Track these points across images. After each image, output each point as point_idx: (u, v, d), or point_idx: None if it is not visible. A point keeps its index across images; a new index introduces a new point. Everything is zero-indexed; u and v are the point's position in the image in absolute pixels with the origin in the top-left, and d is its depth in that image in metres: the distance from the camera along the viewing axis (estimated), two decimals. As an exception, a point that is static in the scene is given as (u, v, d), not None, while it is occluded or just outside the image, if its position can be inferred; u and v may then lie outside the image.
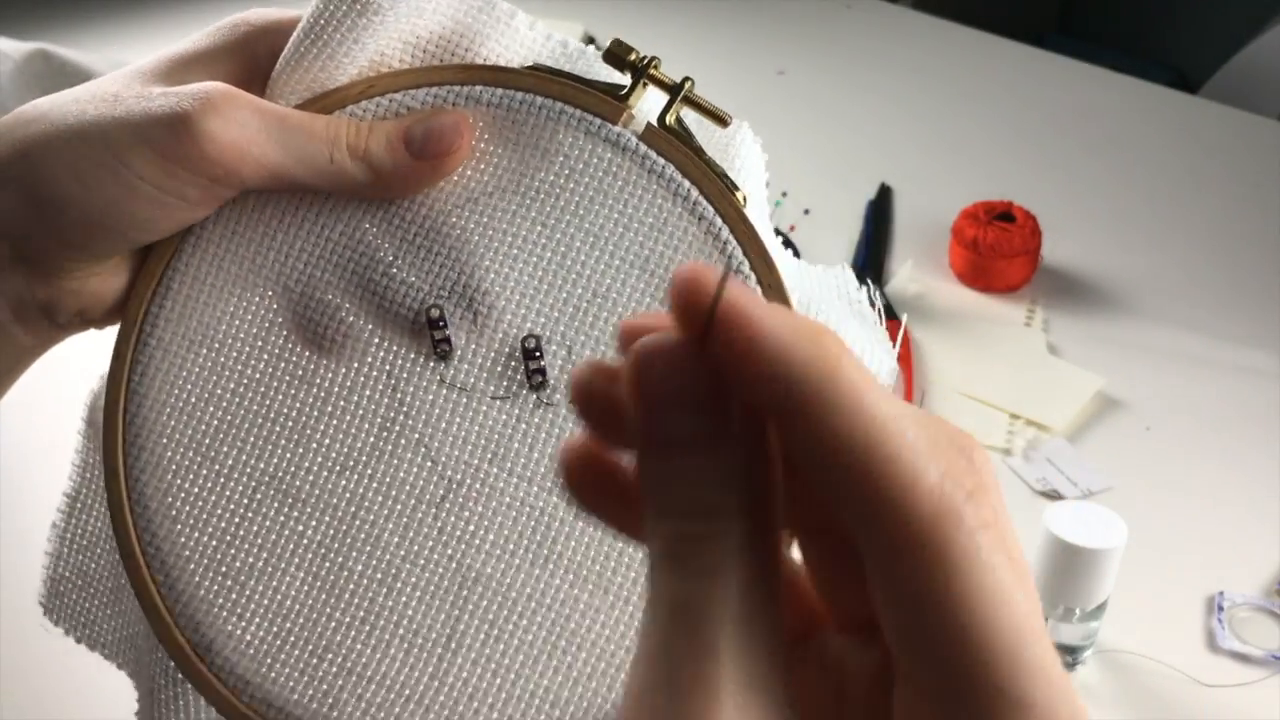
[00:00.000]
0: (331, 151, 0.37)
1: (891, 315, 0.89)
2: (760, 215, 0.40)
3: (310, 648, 0.38)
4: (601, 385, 0.23)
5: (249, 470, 0.38)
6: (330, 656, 0.38)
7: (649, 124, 0.39)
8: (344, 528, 0.38)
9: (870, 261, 0.96)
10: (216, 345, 0.39)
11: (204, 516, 0.38)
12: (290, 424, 0.38)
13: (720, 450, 0.21)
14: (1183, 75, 1.91)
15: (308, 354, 0.39)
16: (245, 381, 0.39)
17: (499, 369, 0.38)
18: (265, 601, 0.38)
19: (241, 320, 0.39)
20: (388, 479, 0.38)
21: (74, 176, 0.36)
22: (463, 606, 0.38)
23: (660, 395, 0.21)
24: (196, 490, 0.38)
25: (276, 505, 0.38)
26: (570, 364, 0.38)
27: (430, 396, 0.38)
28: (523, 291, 0.38)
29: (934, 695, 0.20)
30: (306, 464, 0.38)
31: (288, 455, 0.38)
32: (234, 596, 0.38)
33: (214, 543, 0.38)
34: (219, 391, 0.39)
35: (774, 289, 0.38)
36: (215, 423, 0.39)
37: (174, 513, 0.38)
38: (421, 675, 0.38)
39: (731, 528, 0.21)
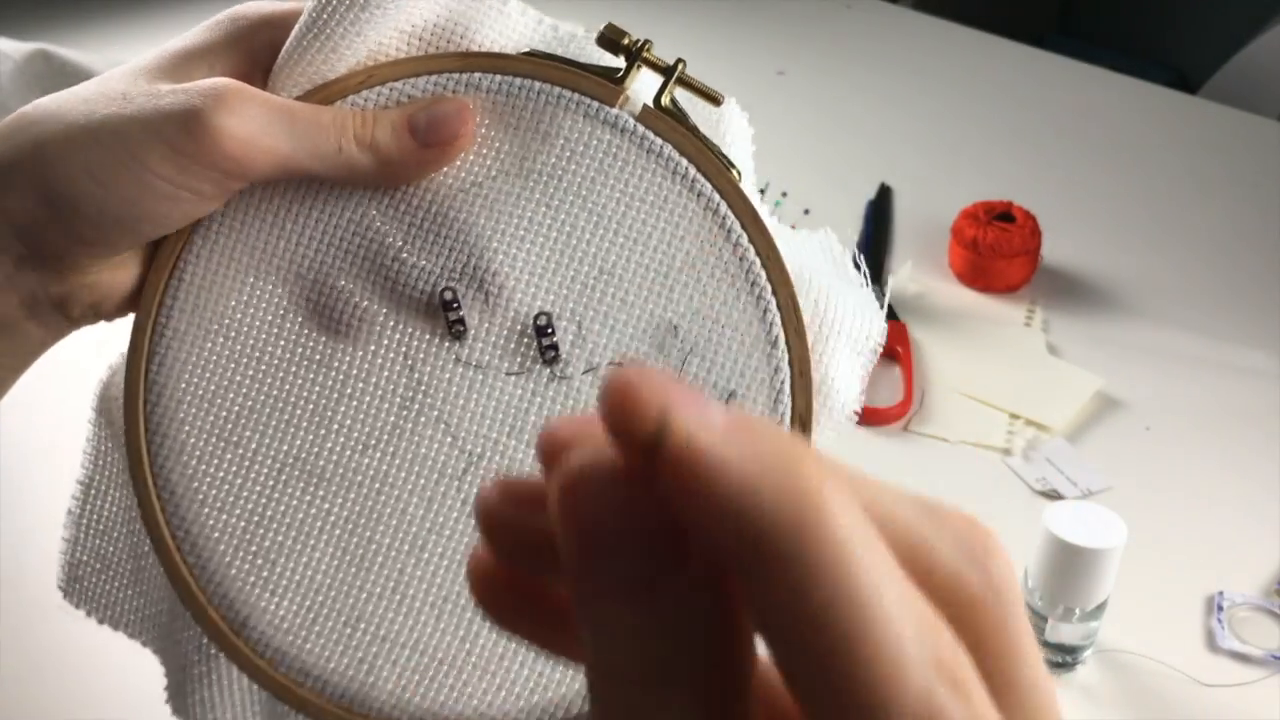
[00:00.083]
0: (339, 142, 0.38)
1: (892, 316, 0.89)
2: (751, 189, 0.41)
3: (343, 618, 0.39)
4: (511, 512, 0.20)
5: (272, 453, 0.40)
6: (363, 625, 0.39)
7: (645, 105, 0.40)
8: (369, 503, 0.39)
9: (870, 262, 0.96)
10: (232, 334, 0.40)
11: (230, 499, 0.39)
12: (311, 407, 0.40)
13: (670, 602, 0.17)
14: (1183, 75, 1.91)
15: (324, 339, 0.40)
16: (263, 368, 0.40)
17: (512, 346, 0.40)
18: (296, 577, 0.39)
19: (255, 308, 0.40)
20: (410, 455, 0.40)
21: (90, 175, 0.36)
22: None
23: (595, 532, 0.18)
24: (221, 474, 0.40)
25: (302, 485, 0.40)
26: (581, 338, 0.39)
27: (447, 375, 0.40)
28: (531, 271, 0.40)
29: None
30: (329, 444, 0.40)
31: (310, 437, 0.40)
32: (265, 574, 0.39)
33: (242, 523, 0.39)
34: (237, 378, 0.40)
35: (771, 259, 0.39)
36: (236, 409, 0.40)
37: (200, 497, 0.39)
38: (452, 639, 0.39)
39: (682, 699, 0.17)
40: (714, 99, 0.40)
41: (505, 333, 0.40)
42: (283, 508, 0.39)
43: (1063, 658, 0.64)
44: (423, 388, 0.39)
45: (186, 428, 0.39)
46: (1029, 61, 1.33)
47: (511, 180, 0.40)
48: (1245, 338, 0.90)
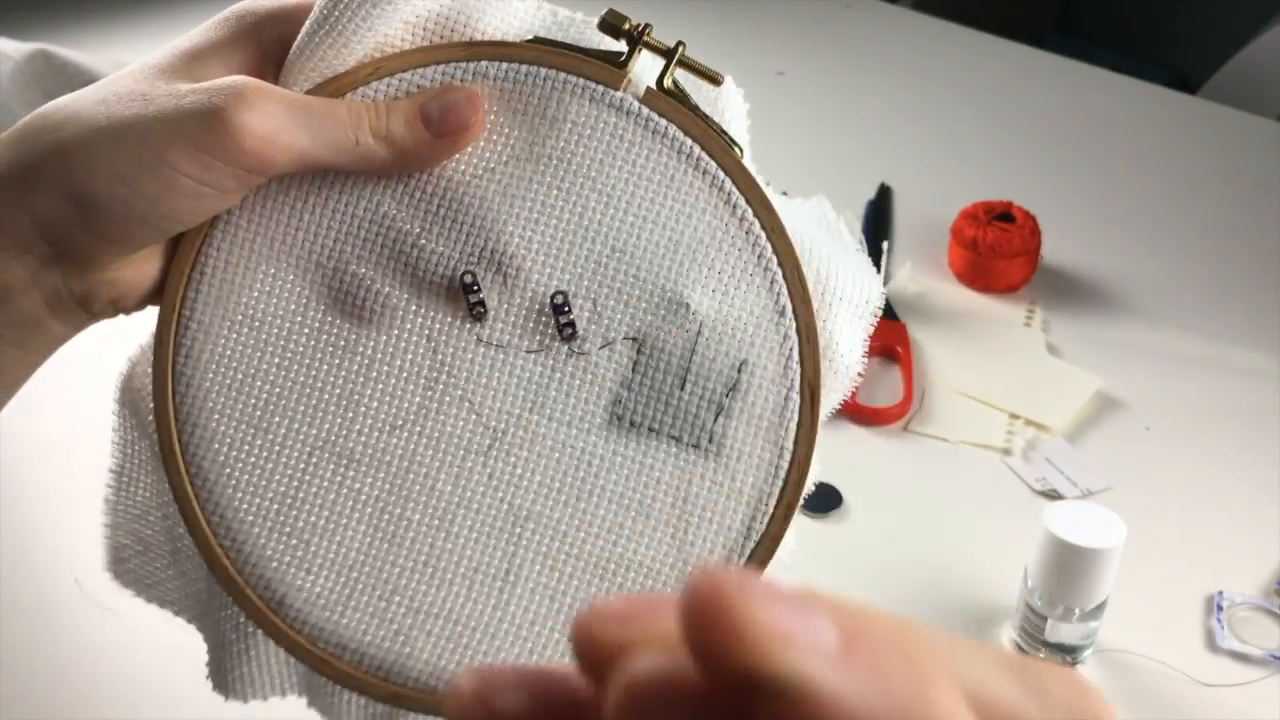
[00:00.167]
0: (356, 134, 0.39)
1: (892, 316, 0.89)
2: (751, 164, 0.42)
3: (378, 592, 0.41)
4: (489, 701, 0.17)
5: (302, 437, 0.41)
6: (397, 599, 0.41)
7: (648, 87, 0.41)
8: (399, 481, 0.41)
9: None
10: (256, 324, 0.41)
11: (262, 483, 0.41)
12: (337, 391, 0.41)
13: None
14: (1182, 75, 1.91)
15: (347, 325, 0.41)
16: (289, 355, 0.41)
17: (531, 325, 0.41)
18: (330, 555, 0.41)
19: (278, 298, 0.41)
20: (436, 433, 0.41)
21: (115, 176, 0.37)
22: (516, 542, 0.41)
23: None
24: (253, 460, 0.41)
25: (332, 467, 0.41)
26: (597, 315, 0.41)
27: (470, 355, 0.41)
28: (546, 252, 0.41)
29: None
30: (358, 427, 0.41)
31: (338, 420, 0.41)
32: (300, 553, 0.41)
33: (275, 506, 0.41)
34: (264, 367, 0.41)
35: (776, 232, 0.41)
36: (264, 396, 0.41)
37: (233, 482, 0.41)
38: (485, 607, 0.41)
39: None
40: (714, 79, 0.41)
41: (524, 312, 0.41)
42: (314, 489, 0.41)
43: (1062, 658, 0.64)
44: (446, 368, 0.41)
45: (216, 416, 0.41)
46: (1029, 61, 1.33)
47: (522, 165, 0.41)
48: (1245, 338, 0.90)
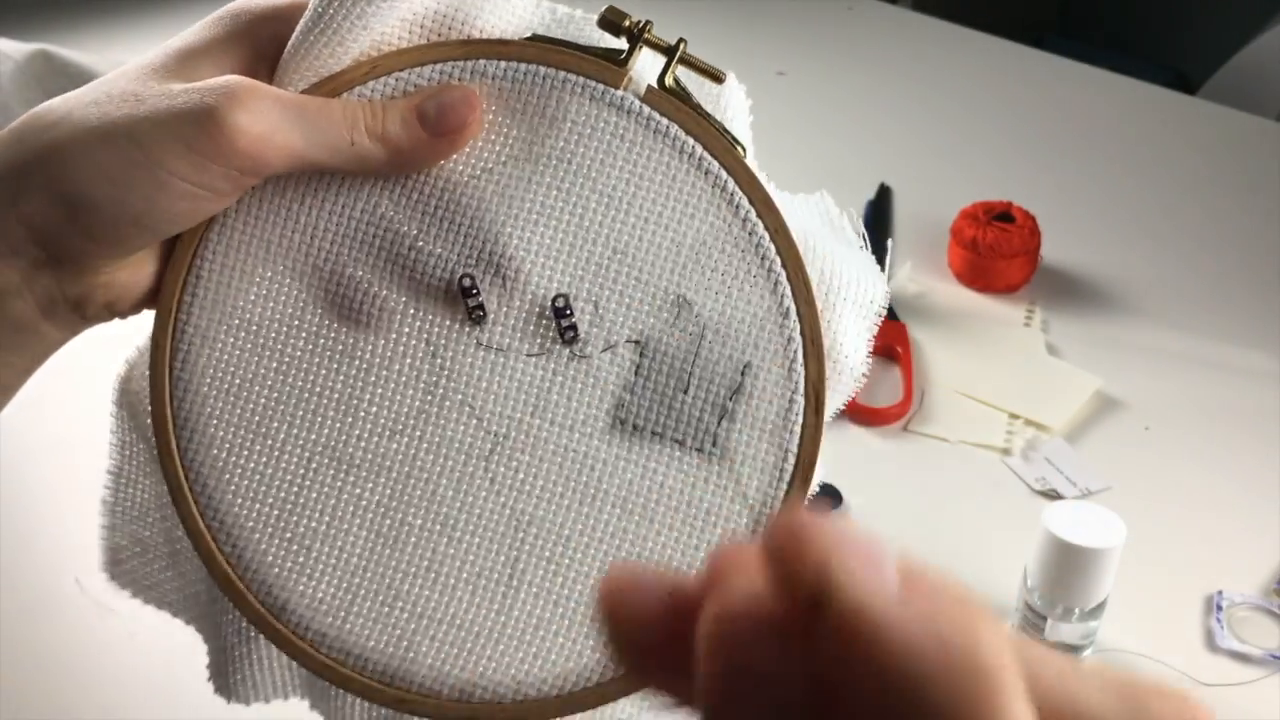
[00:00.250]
0: (351, 134, 0.39)
1: (891, 316, 0.89)
2: (753, 163, 0.42)
3: (380, 598, 0.40)
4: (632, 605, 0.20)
5: (301, 442, 0.40)
6: (400, 604, 0.40)
7: (649, 86, 0.40)
8: (400, 486, 0.41)
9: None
10: (254, 328, 0.40)
11: (262, 489, 0.40)
12: (336, 396, 0.41)
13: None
14: (1182, 75, 1.91)
15: (345, 329, 0.40)
16: (286, 360, 0.40)
17: (531, 328, 0.41)
18: (332, 561, 0.40)
19: (275, 301, 0.40)
20: (437, 438, 0.40)
21: (106, 177, 0.37)
22: (519, 547, 0.41)
23: (736, 674, 0.18)
24: (252, 465, 0.40)
25: (332, 472, 0.40)
26: (598, 318, 0.40)
27: (469, 359, 0.40)
28: (546, 253, 0.40)
29: None
30: (357, 432, 0.40)
31: (338, 425, 0.41)
32: (301, 559, 0.40)
33: (275, 512, 0.40)
34: (262, 371, 0.40)
35: (779, 232, 0.40)
36: (262, 401, 0.40)
37: (233, 488, 0.40)
38: (488, 612, 0.41)
39: None
40: (716, 77, 0.41)
41: (524, 315, 0.40)
42: (315, 494, 0.40)
43: (1062, 657, 0.64)
44: (446, 372, 0.40)
45: (215, 421, 0.40)
46: (1029, 62, 1.33)
47: (521, 165, 0.40)
48: (1245, 338, 0.90)
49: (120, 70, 0.39)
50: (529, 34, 0.41)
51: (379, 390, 0.40)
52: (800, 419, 0.40)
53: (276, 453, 0.40)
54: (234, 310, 0.40)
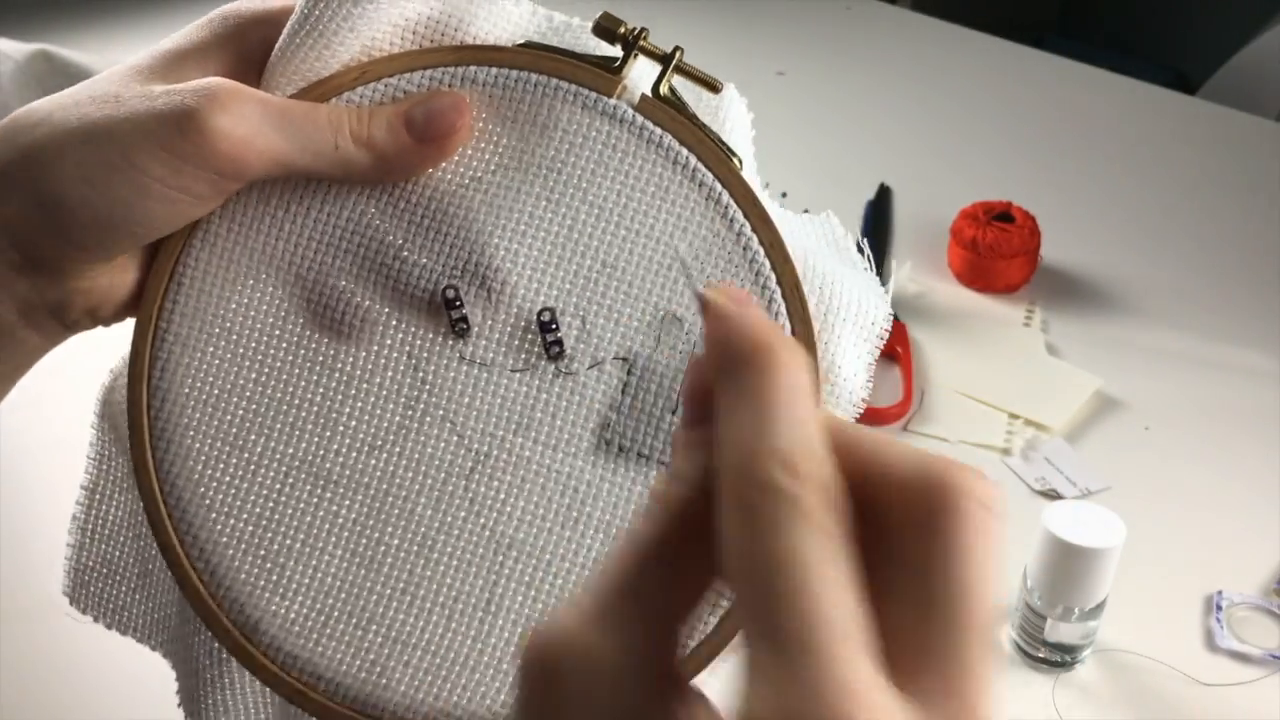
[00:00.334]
0: (335, 139, 0.38)
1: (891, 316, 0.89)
2: (752, 176, 0.41)
3: (355, 620, 0.39)
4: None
5: (278, 456, 0.39)
6: (374, 627, 0.39)
7: (644, 95, 0.39)
8: (377, 504, 0.39)
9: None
10: (234, 337, 0.39)
11: (238, 503, 0.39)
12: (315, 409, 0.39)
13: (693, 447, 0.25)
14: (1182, 75, 1.91)
15: (326, 340, 0.40)
16: (266, 370, 0.39)
17: (516, 343, 0.39)
18: (306, 580, 0.39)
19: (256, 310, 0.40)
20: (416, 455, 0.39)
21: (83, 179, 0.36)
22: (499, 571, 0.39)
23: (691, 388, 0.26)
24: (228, 479, 0.39)
25: (309, 488, 0.39)
26: (585, 334, 0.39)
27: (452, 374, 0.39)
28: (534, 266, 0.39)
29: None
30: (335, 446, 0.39)
31: (316, 439, 0.39)
32: (275, 577, 0.39)
33: (250, 527, 0.39)
34: (240, 382, 0.39)
35: (775, 248, 0.39)
36: (240, 412, 0.39)
37: (207, 502, 0.39)
38: (464, 639, 0.39)
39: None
40: (713, 86, 0.40)
41: (509, 329, 0.39)
42: (290, 511, 0.39)
43: (1062, 657, 0.64)
44: (428, 387, 0.39)
45: (191, 433, 0.39)
46: (1029, 62, 1.33)
47: (510, 174, 0.39)
48: (1245, 338, 0.90)
49: (108, 71, 0.39)
50: (523, 41, 0.40)
51: (359, 404, 0.39)
52: None
53: (253, 466, 0.39)
54: (215, 318, 0.39)
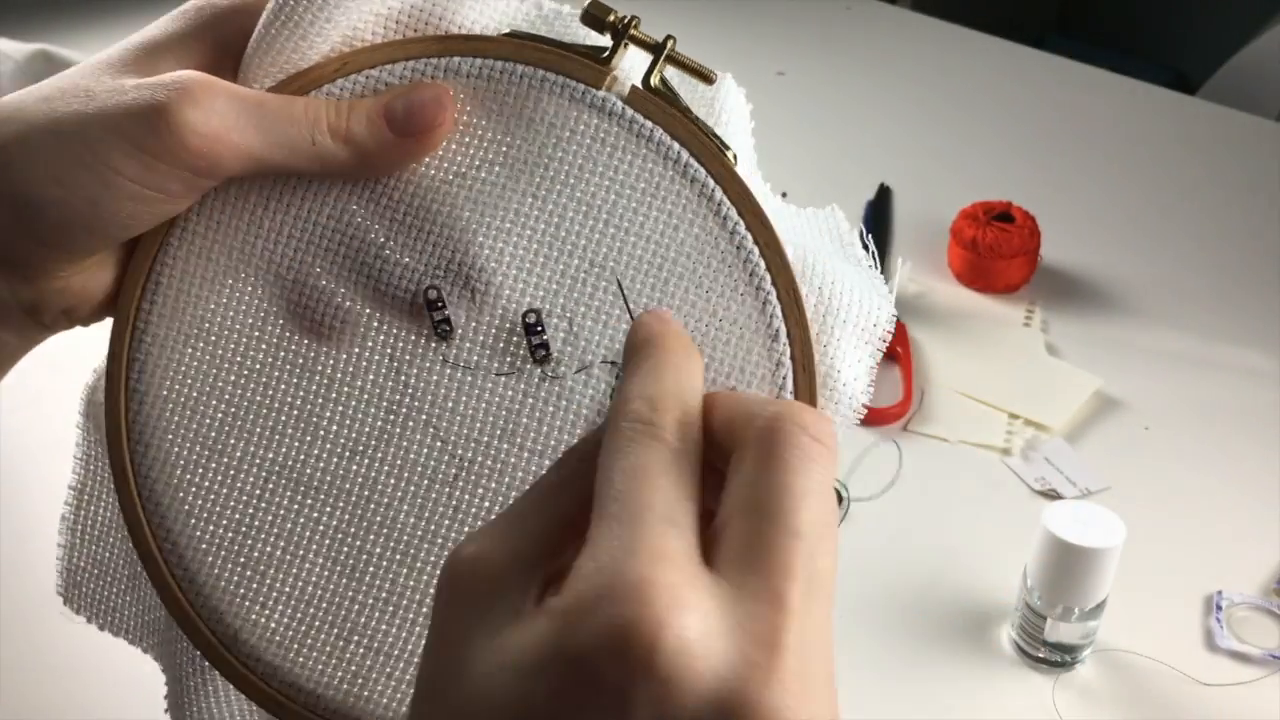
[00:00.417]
0: (313, 134, 0.36)
1: (891, 315, 0.89)
2: (751, 170, 0.40)
3: (336, 630, 0.38)
4: None
5: (258, 461, 0.38)
6: (356, 638, 0.38)
7: (634, 86, 0.38)
8: (359, 511, 0.38)
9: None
10: (213, 338, 0.38)
11: (217, 509, 0.38)
12: (296, 412, 0.38)
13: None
14: (1182, 75, 1.91)
15: (306, 341, 0.38)
16: (245, 373, 0.38)
17: (501, 345, 0.38)
18: (287, 588, 0.38)
19: (235, 311, 0.38)
20: (399, 461, 0.38)
21: (51, 177, 0.35)
22: None
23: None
24: (207, 484, 0.38)
25: (289, 494, 0.38)
26: (572, 336, 0.38)
27: (435, 377, 0.38)
28: (519, 266, 0.38)
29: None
30: (316, 451, 0.38)
31: (296, 444, 0.38)
32: (255, 586, 0.38)
33: (230, 534, 0.38)
34: (220, 384, 0.38)
35: (770, 247, 0.37)
36: (220, 416, 0.38)
37: (186, 508, 0.38)
38: None
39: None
40: (706, 77, 0.38)
41: (494, 332, 0.38)
42: (271, 517, 0.38)
43: (1062, 657, 0.64)
44: (410, 390, 0.38)
45: (170, 437, 0.38)
46: (1029, 62, 1.33)
47: (495, 170, 0.38)
48: (1245, 338, 0.90)
49: (80, 65, 0.37)
50: (509, 30, 0.39)
51: (340, 408, 0.38)
52: None
53: (233, 471, 0.38)
54: (194, 319, 0.38)
